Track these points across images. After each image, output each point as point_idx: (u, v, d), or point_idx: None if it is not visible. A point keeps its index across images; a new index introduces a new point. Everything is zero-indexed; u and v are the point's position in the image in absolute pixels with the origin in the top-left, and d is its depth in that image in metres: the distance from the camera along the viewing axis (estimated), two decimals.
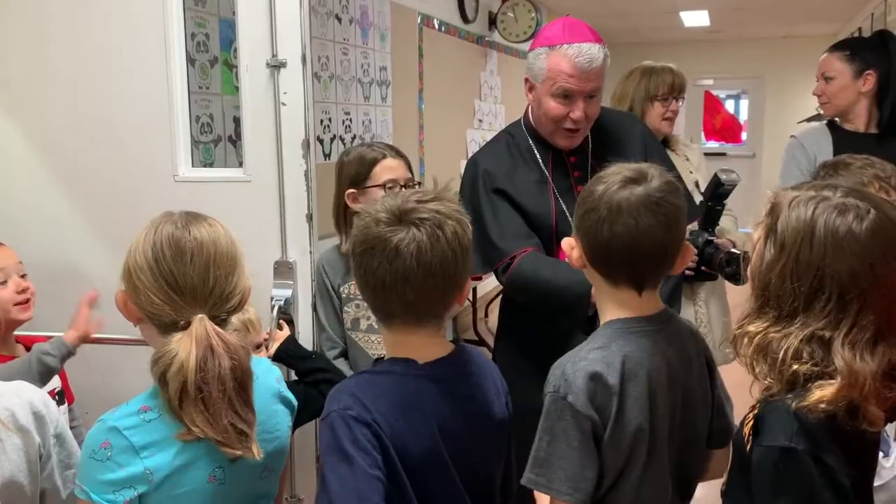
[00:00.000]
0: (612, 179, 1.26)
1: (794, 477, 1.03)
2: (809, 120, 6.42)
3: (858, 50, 2.47)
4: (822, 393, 1.02)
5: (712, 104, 9.87)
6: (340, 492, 1.12)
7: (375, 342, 2.03)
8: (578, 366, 1.24)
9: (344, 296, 2.06)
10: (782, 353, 1.07)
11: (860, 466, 1.06)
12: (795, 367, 1.06)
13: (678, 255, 1.30)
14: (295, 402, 1.42)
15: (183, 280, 1.23)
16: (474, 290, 4.52)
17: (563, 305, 1.74)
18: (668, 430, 1.29)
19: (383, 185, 1.98)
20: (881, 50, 2.44)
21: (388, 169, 2.00)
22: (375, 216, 1.21)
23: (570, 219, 1.39)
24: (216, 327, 1.23)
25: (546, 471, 1.23)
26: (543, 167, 1.93)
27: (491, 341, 4.97)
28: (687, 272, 2.04)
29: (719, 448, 1.40)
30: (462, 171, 5.33)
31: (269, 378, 1.38)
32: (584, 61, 1.79)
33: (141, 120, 2.22)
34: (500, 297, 2.05)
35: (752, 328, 1.12)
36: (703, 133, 9.66)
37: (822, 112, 6.37)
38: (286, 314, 2.05)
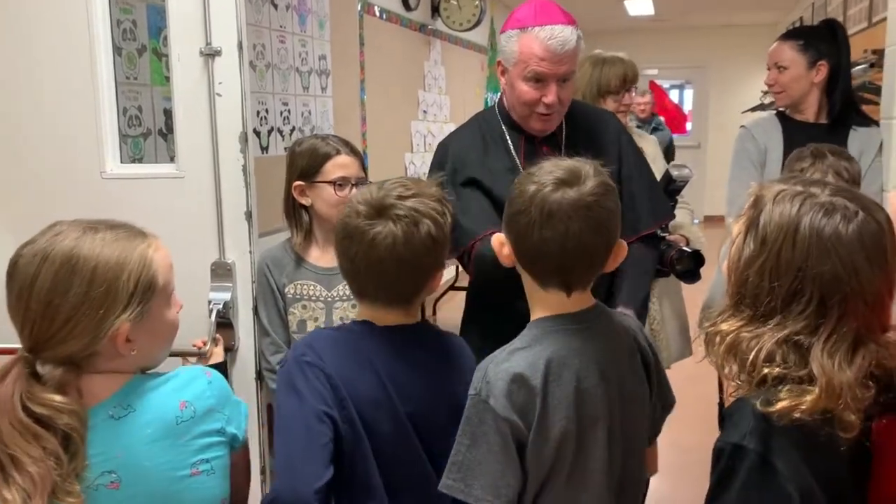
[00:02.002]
0: (545, 179, 1.24)
1: (739, 475, 1.03)
2: (754, 109, 6.60)
3: (811, 40, 2.50)
4: (796, 401, 1.00)
5: (657, 94, 10.03)
6: (290, 424, 1.28)
7: None
8: (500, 367, 1.23)
9: (290, 296, 2.00)
10: (753, 354, 1.05)
11: (829, 475, 1.03)
12: (766, 370, 1.04)
13: (609, 257, 1.29)
14: (222, 425, 1.26)
15: (7, 300, 1.18)
16: None
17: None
18: (605, 432, 1.26)
19: (333, 183, 1.96)
20: (831, 40, 2.48)
21: (339, 166, 1.97)
22: (356, 207, 1.34)
23: None
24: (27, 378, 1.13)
25: (465, 476, 1.20)
26: (515, 154, 1.92)
27: None
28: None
29: (647, 446, 1.41)
30: (407, 164, 5.29)
31: (166, 403, 1.20)
32: (557, 44, 1.78)
33: (65, 114, 2.12)
34: (467, 289, 2.04)
35: (724, 326, 1.10)
36: None
37: (765, 102, 6.48)
38: (225, 319, 1.98)
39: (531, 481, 1.23)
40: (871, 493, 1.10)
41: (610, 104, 2.63)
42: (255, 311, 2.04)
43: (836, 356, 1.02)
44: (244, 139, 2.02)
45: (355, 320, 1.41)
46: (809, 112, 2.49)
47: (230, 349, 2.00)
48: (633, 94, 2.72)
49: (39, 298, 1.13)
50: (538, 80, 1.81)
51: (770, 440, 1.02)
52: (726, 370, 1.09)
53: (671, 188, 2.25)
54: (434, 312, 5.65)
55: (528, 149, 1.93)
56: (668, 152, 5.90)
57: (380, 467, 1.32)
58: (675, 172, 2.27)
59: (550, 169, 1.26)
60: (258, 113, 3.28)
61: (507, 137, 1.94)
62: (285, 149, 3.12)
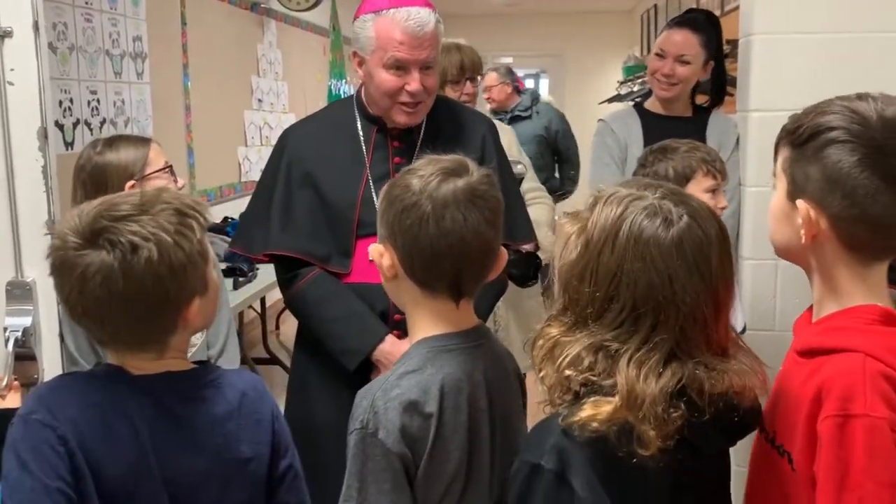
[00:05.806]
0: (428, 171, 1.24)
1: (536, 496, 1.06)
2: (611, 100, 6.93)
3: (710, 37, 2.56)
4: (596, 411, 1.03)
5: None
6: (15, 500, 1.14)
7: None
8: (390, 395, 1.20)
9: None
10: (562, 359, 1.08)
11: (630, 499, 1.07)
12: (569, 372, 1.07)
13: (497, 257, 1.31)
14: None
15: None
16: (262, 299, 4.38)
17: (336, 350, 1.84)
18: (489, 460, 1.28)
19: (168, 168, 2.00)
20: (716, 37, 2.60)
21: (159, 153, 2.02)
22: (64, 237, 1.18)
23: (377, 206, 1.39)
24: None
25: None
26: (364, 147, 1.94)
27: (284, 357, 4.82)
28: None
29: None
30: (241, 159, 5.17)
31: None
32: (415, 25, 1.80)
33: None
34: None
35: (549, 331, 1.13)
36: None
37: (622, 92, 6.69)
38: (25, 349, 1.85)
39: None
40: None
41: (449, 93, 2.69)
42: (62, 337, 1.92)
43: (643, 367, 1.04)
44: (44, 135, 1.89)
45: (107, 363, 1.26)
46: (678, 108, 2.59)
47: (32, 384, 1.87)
48: (477, 85, 2.78)
49: None
50: (399, 67, 1.83)
51: (569, 457, 1.05)
52: (542, 374, 1.12)
53: None
54: (277, 327, 5.54)
55: (378, 141, 1.95)
56: (556, 141, 4.66)
57: None
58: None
59: (431, 162, 1.26)
60: (61, 103, 3.09)
61: (359, 128, 1.95)
62: None
